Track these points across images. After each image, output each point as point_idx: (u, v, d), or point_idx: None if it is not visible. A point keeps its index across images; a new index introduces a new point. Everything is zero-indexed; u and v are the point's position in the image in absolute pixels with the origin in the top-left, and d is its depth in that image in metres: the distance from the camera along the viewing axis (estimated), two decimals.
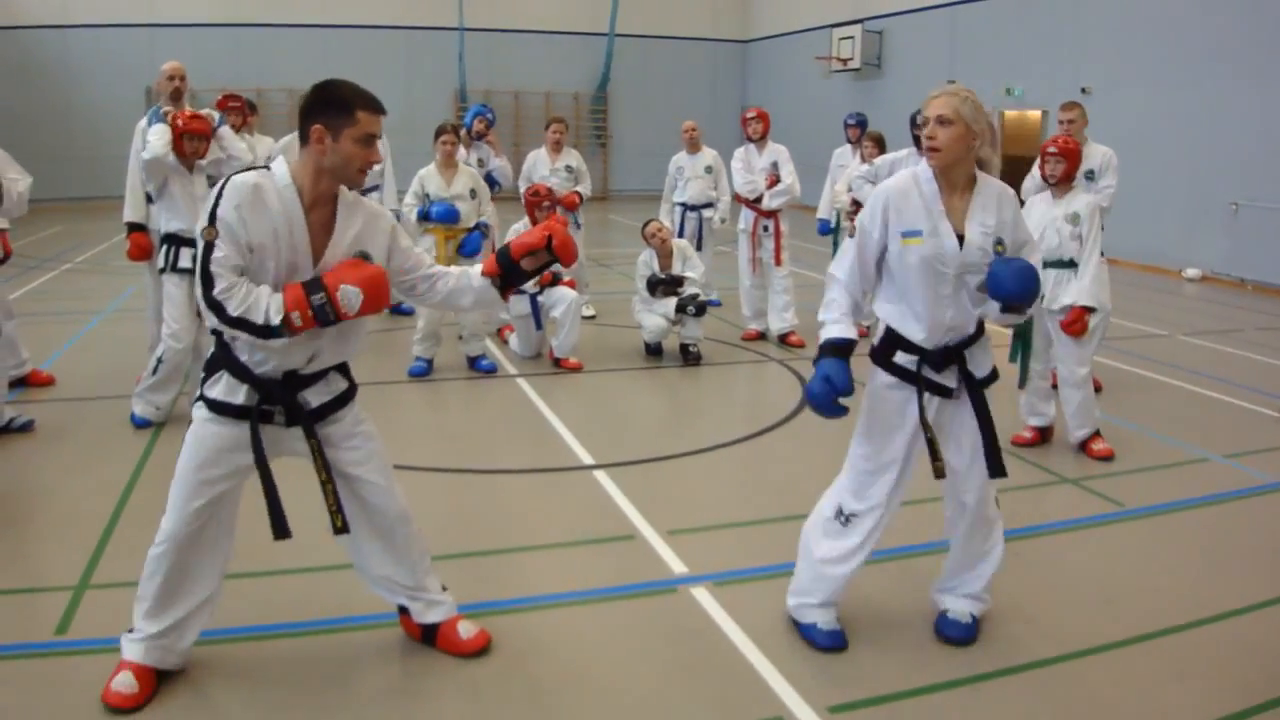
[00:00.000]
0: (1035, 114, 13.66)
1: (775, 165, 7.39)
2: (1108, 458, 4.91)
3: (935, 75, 12.83)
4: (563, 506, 4.34)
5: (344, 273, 2.56)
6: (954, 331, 2.95)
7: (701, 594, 3.43)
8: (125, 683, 2.69)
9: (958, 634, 3.14)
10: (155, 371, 5.13)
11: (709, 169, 8.37)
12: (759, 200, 7.39)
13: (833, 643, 3.07)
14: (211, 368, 2.67)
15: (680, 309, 6.74)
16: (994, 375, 3.06)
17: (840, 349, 2.86)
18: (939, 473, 2.93)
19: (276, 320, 2.49)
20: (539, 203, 6.66)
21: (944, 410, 3.00)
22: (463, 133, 7.70)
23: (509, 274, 2.85)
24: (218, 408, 2.64)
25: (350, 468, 2.79)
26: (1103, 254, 4.89)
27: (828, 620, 3.11)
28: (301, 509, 2.87)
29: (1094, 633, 3.19)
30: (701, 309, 6.79)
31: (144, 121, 5.56)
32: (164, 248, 5.13)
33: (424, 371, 6.47)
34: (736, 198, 7.70)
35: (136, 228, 5.44)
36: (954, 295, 2.90)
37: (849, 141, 8.05)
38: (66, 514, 4.11)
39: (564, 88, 19.72)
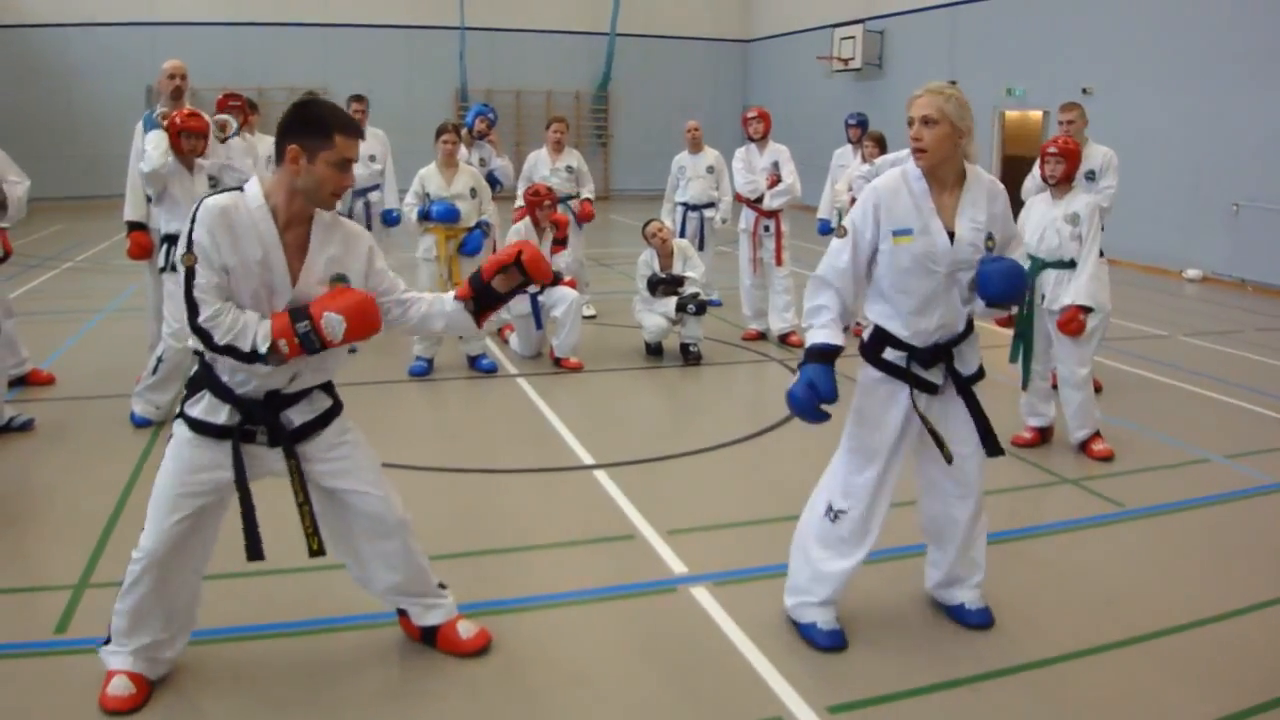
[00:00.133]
0: (1036, 114, 13.65)
1: (776, 165, 7.39)
2: (1108, 458, 4.91)
3: (936, 75, 12.71)
4: (562, 506, 4.34)
5: (328, 300, 2.55)
6: (944, 329, 2.96)
7: (701, 594, 3.43)
8: (122, 686, 2.68)
9: (986, 620, 3.20)
10: (155, 371, 5.13)
11: (711, 169, 8.37)
12: (760, 200, 7.39)
13: (832, 642, 3.07)
14: (194, 387, 2.65)
15: (680, 308, 6.74)
16: (980, 373, 3.07)
17: (825, 354, 2.87)
18: (948, 459, 2.98)
19: (264, 348, 2.48)
20: (539, 202, 6.66)
21: (933, 406, 3.02)
22: (464, 132, 7.70)
23: (482, 296, 2.81)
24: (199, 427, 2.62)
25: (337, 479, 2.77)
26: (1102, 254, 4.88)
27: (827, 620, 3.11)
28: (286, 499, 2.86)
29: (1094, 633, 3.19)
30: (702, 308, 6.79)
31: (141, 124, 5.57)
32: (164, 247, 5.13)
33: (424, 371, 6.47)
34: (737, 197, 7.70)
35: (137, 226, 5.44)
36: (945, 293, 2.91)
37: (850, 141, 8.05)
38: (66, 513, 4.12)
39: (565, 87, 19.71)
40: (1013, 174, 8.56)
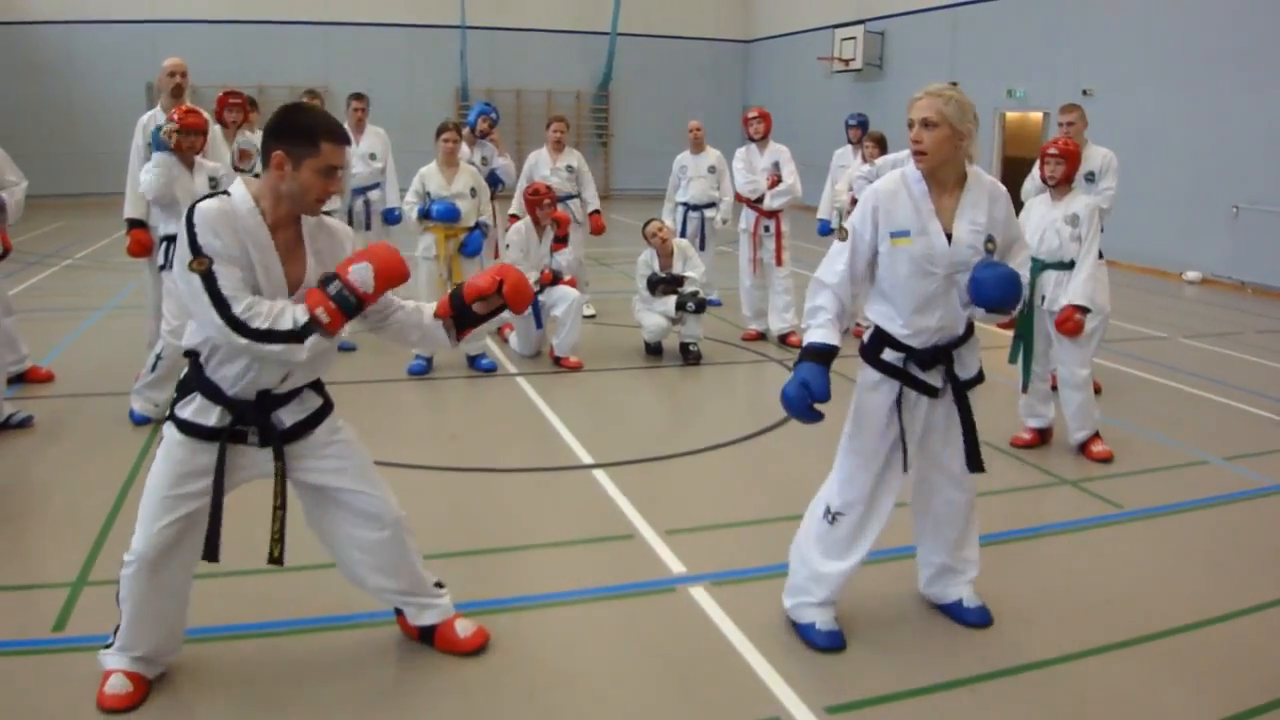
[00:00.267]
0: (1036, 116, 13.66)
1: (777, 165, 7.39)
2: (1107, 460, 4.91)
3: (937, 76, 12.80)
4: (561, 505, 4.34)
5: (348, 260, 2.54)
6: (943, 332, 2.95)
7: (699, 594, 3.43)
8: (119, 684, 2.68)
9: (984, 618, 3.22)
10: (154, 369, 5.13)
11: (712, 169, 8.37)
12: (760, 200, 7.39)
13: (831, 643, 3.07)
14: (184, 389, 2.64)
15: (680, 306, 6.74)
16: (980, 377, 3.07)
17: (821, 355, 2.86)
18: (905, 468, 3.01)
19: (305, 319, 2.47)
20: (539, 201, 6.66)
21: (935, 409, 3.02)
22: (466, 131, 7.71)
23: (461, 316, 2.79)
24: (190, 429, 2.61)
25: (330, 478, 2.76)
26: (1101, 255, 4.89)
27: (826, 620, 3.11)
28: (294, 506, 2.85)
29: (1093, 634, 3.19)
30: (701, 305, 6.79)
31: (144, 119, 5.57)
32: (164, 245, 5.13)
33: (423, 369, 6.47)
34: (738, 197, 7.71)
35: (137, 224, 5.44)
36: (944, 295, 2.91)
37: (850, 142, 8.05)
38: (65, 511, 4.11)
39: (566, 86, 19.71)
40: (1013, 175, 8.56)
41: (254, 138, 6.84)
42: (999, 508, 4.26)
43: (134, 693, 2.67)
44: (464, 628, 3.02)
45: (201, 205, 2.48)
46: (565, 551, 3.86)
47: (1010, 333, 5.14)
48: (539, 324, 6.72)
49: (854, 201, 6.78)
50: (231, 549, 3.04)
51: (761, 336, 7.62)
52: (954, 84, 3.02)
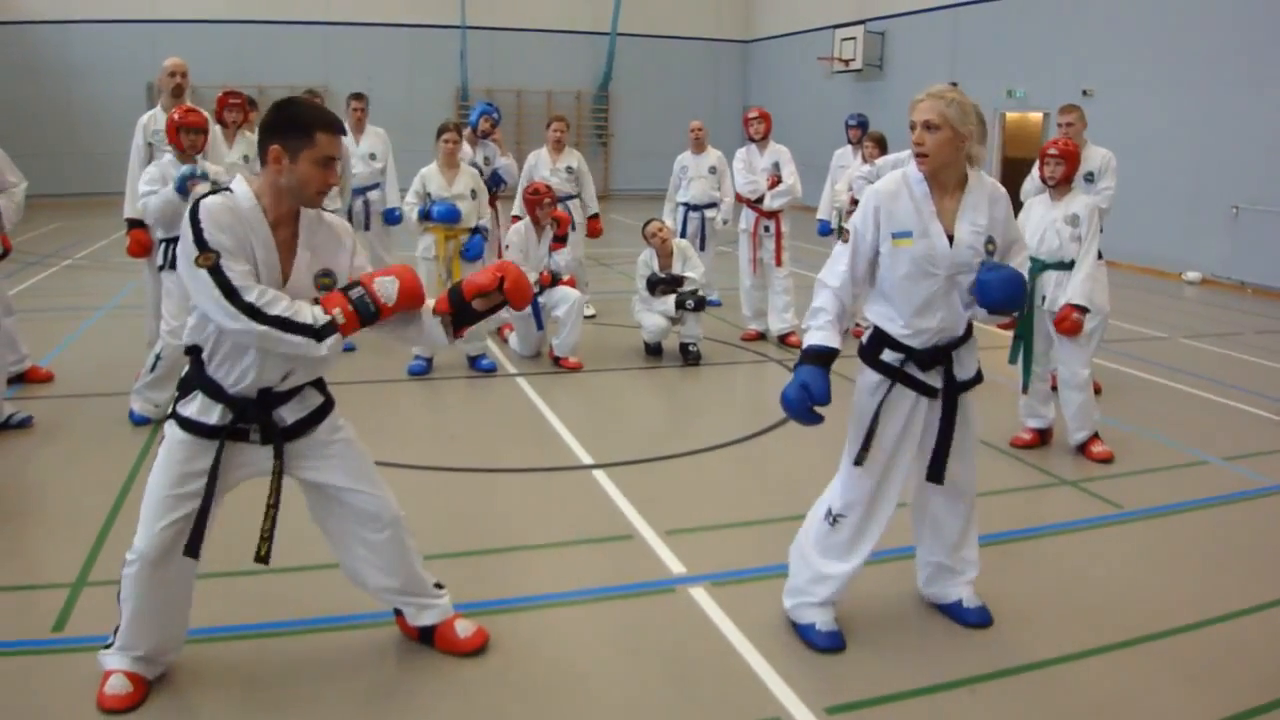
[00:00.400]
0: (1036, 116, 13.66)
1: (777, 166, 7.39)
2: (1107, 460, 4.91)
3: (937, 77, 12.81)
4: (561, 506, 4.34)
5: (375, 273, 2.60)
6: (944, 333, 2.96)
7: (699, 594, 3.43)
8: (119, 685, 2.67)
9: (984, 618, 3.21)
10: (154, 369, 5.13)
11: (713, 169, 8.37)
12: (760, 201, 7.39)
13: (830, 643, 3.07)
14: (185, 387, 2.64)
15: (679, 304, 6.74)
16: (979, 377, 3.07)
17: (821, 357, 2.86)
18: (858, 460, 2.97)
19: (325, 319, 2.48)
20: (539, 200, 6.65)
21: (935, 410, 3.02)
22: (468, 131, 7.71)
23: (460, 313, 2.78)
24: (191, 427, 2.61)
25: (330, 476, 2.76)
26: (1101, 256, 4.89)
27: (826, 621, 3.11)
28: (294, 503, 2.86)
29: (1092, 634, 3.19)
30: (700, 303, 6.78)
31: (144, 119, 5.58)
32: (163, 245, 5.13)
33: (423, 370, 6.47)
34: (738, 198, 7.71)
35: (136, 224, 5.44)
36: (945, 296, 2.91)
37: (850, 142, 8.05)
38: (64, 511, 4.11)
39: (566, 86, 19.71)
40: (1013, 176, 8.57)
41: (253, 137, 6.84)
42: (999, 508, 4.25)
43: (134, 693, 2.67)
44: (464, 628, 3.02)
45: (206, 201, 2.49)
46: (565, 552, 3.86)
47: (1010, 333, 5.14)
48: (539, 325, 6.72)
49: (854, 202, 6.78)
50: (232, 549, 3.05)
51: (761, 337, 7.62)
52: (954, 84, 3.02)
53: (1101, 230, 4.91)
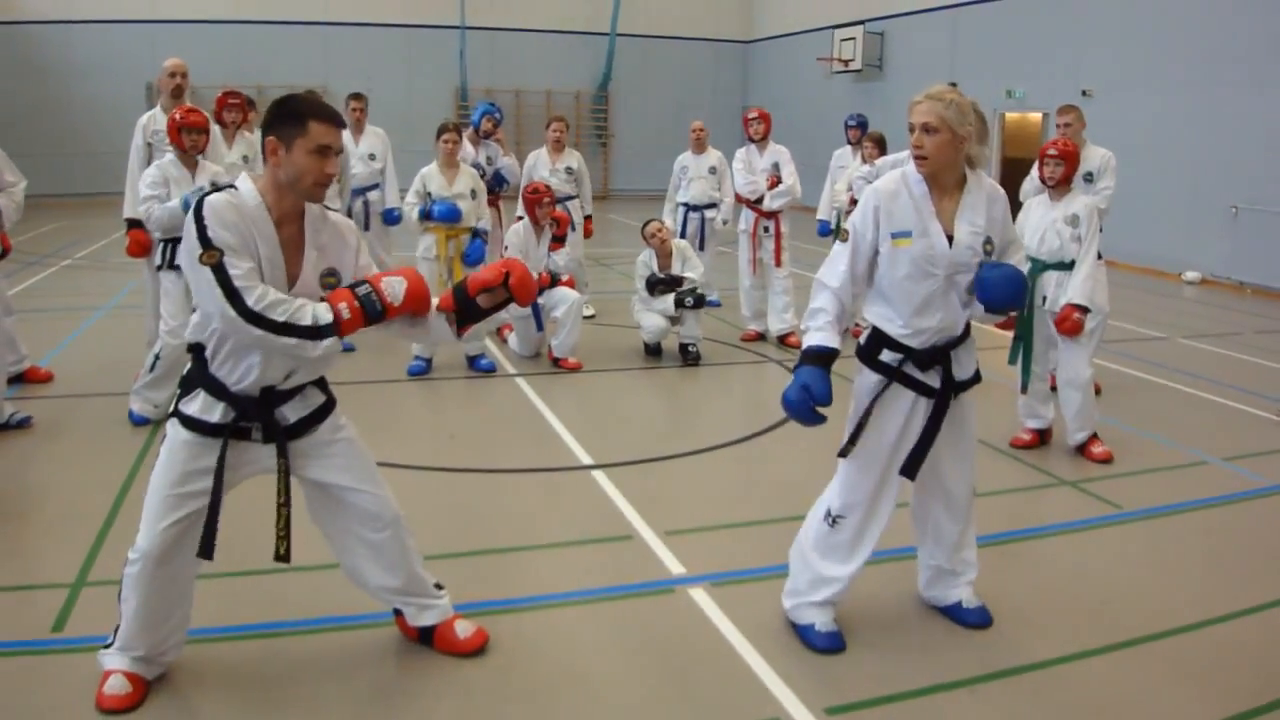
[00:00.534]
0: (1036, 116, 13.67)
1: (776, 166, 7.39)
2: (1106, 460, 4.91)
3: (936, 77, 12.79)
4: (561, 506, 4.34)
5: (382, 274, 2.59)
6: (943, 333, 2.96)
7: (699, 594, 3.43)
8: (118, 685, 2.67)
9: (984, 619, 3.21)
10: (153, 369, 5.13)
11: (713, 170, 8.36)
12: (760, 201, 7.39)
13: (830, 644, 3.07)
14: (187, 385, 2.63)
15: (678, 303, 6.74)
16: (977, 377, 3.07)
17: (821, 357, 2.86)
18: (843, 452, 2.99)
19: (327, 320, 2.48)
20: (539, 200, 6.65)
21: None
22: (469, 131, 7.71)
23: (465, 310, 2.77)
24: (194, 425, 2.60)
25: (332, 475, 2.76)
26: (1100, 256, 4.89)
27: (825, 621, 3.11)
28: (298, 503, 2.85)
29: (1092, 635, 3.19)
30: (699, 302, 6.78)
31: (144, 119, 5.57)
32: (162, 245, 5.13)
33: (423, 370, 6.47)
34: (737, 198, 7.70)
35: (136, 224, 5.43)
36: (944, 296, 2.91)
37: (849, 143, 8.05)
38: (63, 511, 4.11)
39: (565, 87, 19.71)
40: (1012, 176, 8.56)
41: (253, 137, 6.84)
42: (999, 508, 4.26)
43: (133, 693, 2.67)
44: (463, 629, 3.02)
45: (210, 199, 2.49)
46: (565, 552, 3.86)
47: (1010, 333, 5.13)
48: (539, 325, 6.72)
49: (853, 202, 6.78)
50: (232, 549, 3.04)
51: (761, 337, 7.62)
52: (953, 85, 3.01)
53: (1101, 230, 4.91)
